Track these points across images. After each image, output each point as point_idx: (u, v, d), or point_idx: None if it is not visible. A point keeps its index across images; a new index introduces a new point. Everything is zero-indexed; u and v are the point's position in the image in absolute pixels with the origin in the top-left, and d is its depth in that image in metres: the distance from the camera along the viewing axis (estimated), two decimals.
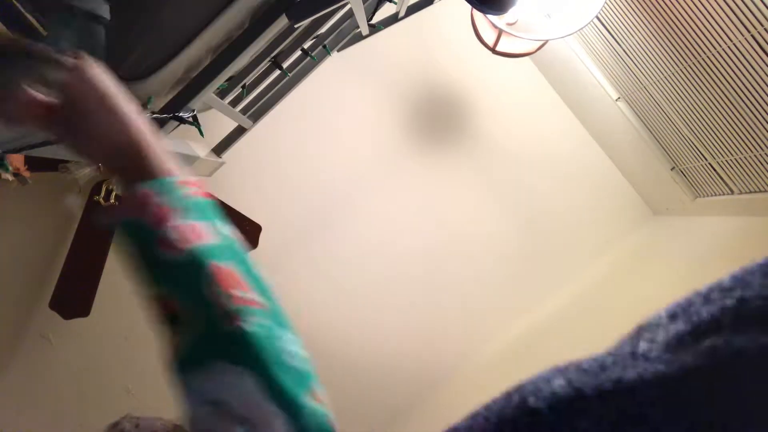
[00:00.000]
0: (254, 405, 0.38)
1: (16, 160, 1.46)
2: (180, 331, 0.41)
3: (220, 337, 0.39)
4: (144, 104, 0.74)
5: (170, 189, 0.43)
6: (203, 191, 0.45)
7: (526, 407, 0.20)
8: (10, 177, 1.45)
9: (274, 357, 0.40)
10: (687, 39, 1.43)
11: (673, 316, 0.20)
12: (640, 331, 0.21)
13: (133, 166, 0.44)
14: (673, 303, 0.20)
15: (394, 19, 1.41)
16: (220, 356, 0.39)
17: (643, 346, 0.20)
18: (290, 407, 0.39)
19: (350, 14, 1.26)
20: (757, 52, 1.27)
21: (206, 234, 0.43)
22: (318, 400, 0.41)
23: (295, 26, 0.91)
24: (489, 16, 1.57)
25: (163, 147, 0.46)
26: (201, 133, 0.98)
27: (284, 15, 0.78)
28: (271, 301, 0.43)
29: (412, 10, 1.45)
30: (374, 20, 1.32)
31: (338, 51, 1.41)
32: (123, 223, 0.42)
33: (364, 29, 1.28)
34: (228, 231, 0.45)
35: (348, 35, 1.34)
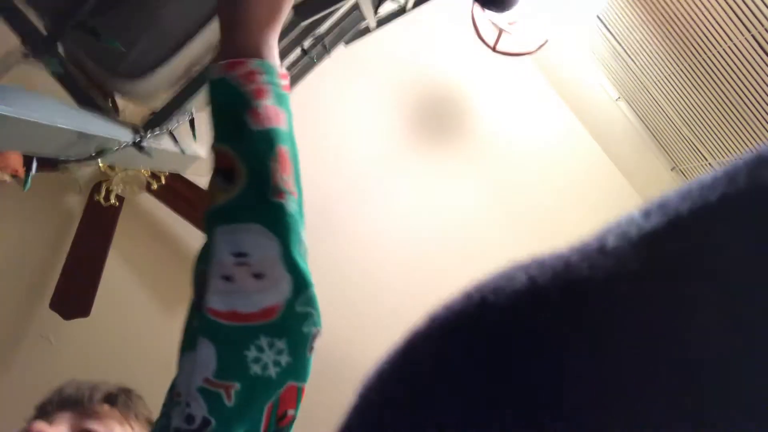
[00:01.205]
0: (272, 265, 0.46)
1: (15, 162, 1.45)
2: (230, 189, 0.47)
3: (267, 205, 0.47)
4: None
5: (273, 74, 0.50)
6: (287, 86, 0.53)
7: (487, 304, 0.19)
8: (7, 179, 1.45)
9: (296, 237, 0.47)
10: (688, 39, 1.43)
11: (647, 213, 0.18)
12: (608, 229, 0.19)
13: (255, 43, 0.51)
14: (650, 200, 0.19)
15: (402, 11, 1.39)
16: (260, 220, 0.46)
17: (611, 241, 0.18)
18: (299, 277, 0.47)
19: (352, 10, 1.25)
20: (757, 52, 1.27)
21: (284, 120, 0.50)
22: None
23: (302, 23, 0.90)
24: (490, 14, 1.57)
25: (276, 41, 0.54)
26: (194, 137, 0.99)
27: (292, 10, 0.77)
28: (301, 194, 0.50)
29: (419, 2, 1.42)
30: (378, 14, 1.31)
31: (345, 45, 1.39)
32: (227, 81, 0.48)
33: (372, 23, 1.26)
34: (293, 123, 0.52)
35: (349, 32, 1.33)
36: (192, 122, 0.92)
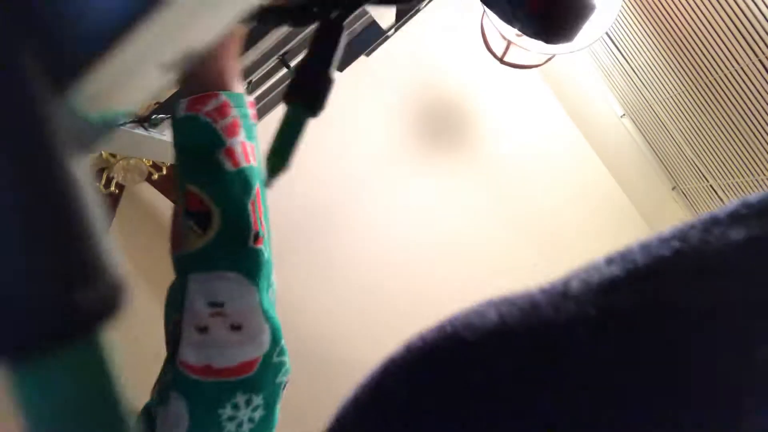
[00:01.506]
0: (250, 316, 0.43)
1: None
2: (204, 234, 0.44)
3: (244, 252, 0.44)
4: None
5: (242, 105, 0.47)
6: (255, 114, 0.50)
7: (458, 338, 0.21)
8: None
9: (268, 283, 0.45)
10: (694, 60, 1.43)
11: (610, 261, 0.20)
12: (575, 273, 0.21)
13: (219, 70, 0.47)
14: (615, 250, 0.21)
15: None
16: (237, 268, 0.43)
17: (575, 286, 0.20)
18: (275, 328, 0.44)
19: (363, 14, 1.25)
20: (764, 77, 1.28)
21: (254, 155, 0.46)
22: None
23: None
24: (498, 26, 1.57)
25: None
26: None
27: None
28: (269, 230, 0.47)
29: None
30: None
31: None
32: (198, 119, 0.45)
33: (387, 24, 1.25)
34: (260, 154, 0.48)
35: (358, 35, 1.33)
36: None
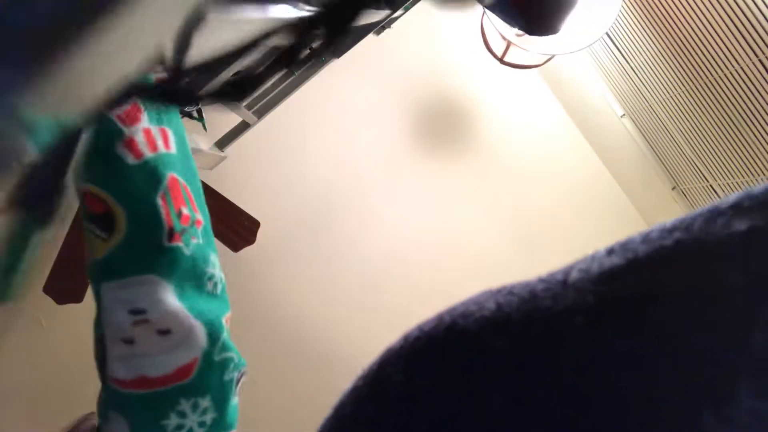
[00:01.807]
0: (177, 317, 0.39)
1: None
2: (109, 238, 0.39)
3: (158, 252, 0.39)
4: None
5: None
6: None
7: (456, 328, 0.21)
8: None
9: (201, 277, 0.41)
10: (695, 60, 1.43)
11: (610, 251, 0.20)
12: (575, 263, 0.21)
13: None
14: (616, 241, 0.21)
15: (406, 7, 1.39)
16: (153, 270, 0.39)
17: (574, 275, 0.20)
18: (211, 323, 0.40)
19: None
20: (764, 77, 1.28)
21: (170, 140, 0.41)
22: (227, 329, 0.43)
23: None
24: (498, 26, 1.57)
25: None
26: (204, 127, 0.98)
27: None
28: (206, 217, 0.43)
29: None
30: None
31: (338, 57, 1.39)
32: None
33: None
34: (184, 136, 0.43)
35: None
36: (200, 111, 0.92)
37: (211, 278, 0.42)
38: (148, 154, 0.39)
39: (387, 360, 0.23)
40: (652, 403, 0.17)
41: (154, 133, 0.40)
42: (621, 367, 0.17)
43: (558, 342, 0.18)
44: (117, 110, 0.39)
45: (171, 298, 0.39)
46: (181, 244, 0.40)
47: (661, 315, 0.17)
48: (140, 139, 0.39)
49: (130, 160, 0.39)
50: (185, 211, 0.41)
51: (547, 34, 0.41)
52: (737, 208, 0.18)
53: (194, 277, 0.41)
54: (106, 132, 0.39)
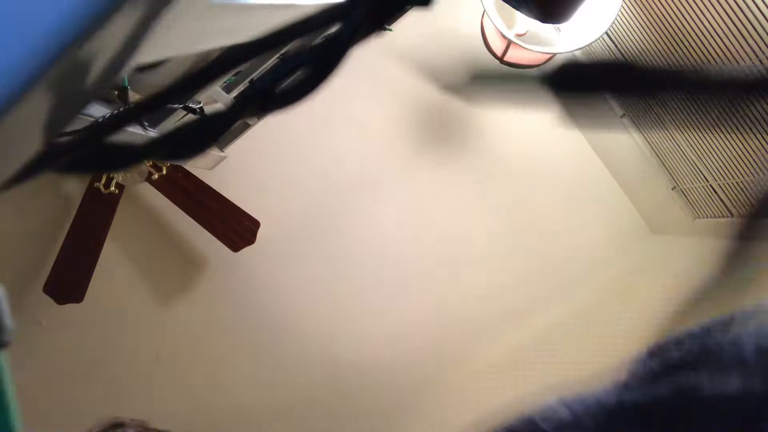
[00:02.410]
0: None
1: None
2: None
3: None
4: (121, 87, 0.73)
5: None
6: None
7: (539, 429, 0.26)
8: None
9: None
10: (695, 60, 1.43)
11: (651, 354, 0.26)
12: (628, 365, 0.27)
13: None
14: (654, 342, 0.27)
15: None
16: None
17: (627, 377, 0.26)
18: None
19: None
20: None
21: None
22: None
23: None
24: (498, 26, 1.57)
25: None
26: None
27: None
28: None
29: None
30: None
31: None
32: None
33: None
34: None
35: None
36: (202, 111, 0.92)
37: None
38: None
39: None
40: None
41: None
42: None
43: None
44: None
45: None
46: None
47: (691, 412, 0.23)
48: None
49: None
50: None
51: (560, 22, 0.42)
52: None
53: None
54: None
